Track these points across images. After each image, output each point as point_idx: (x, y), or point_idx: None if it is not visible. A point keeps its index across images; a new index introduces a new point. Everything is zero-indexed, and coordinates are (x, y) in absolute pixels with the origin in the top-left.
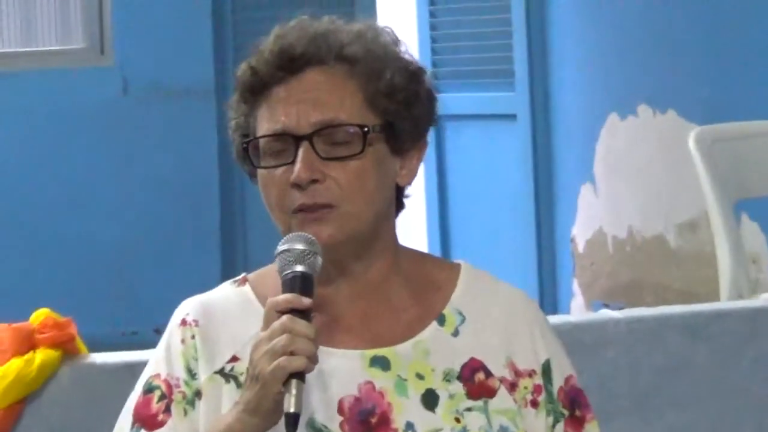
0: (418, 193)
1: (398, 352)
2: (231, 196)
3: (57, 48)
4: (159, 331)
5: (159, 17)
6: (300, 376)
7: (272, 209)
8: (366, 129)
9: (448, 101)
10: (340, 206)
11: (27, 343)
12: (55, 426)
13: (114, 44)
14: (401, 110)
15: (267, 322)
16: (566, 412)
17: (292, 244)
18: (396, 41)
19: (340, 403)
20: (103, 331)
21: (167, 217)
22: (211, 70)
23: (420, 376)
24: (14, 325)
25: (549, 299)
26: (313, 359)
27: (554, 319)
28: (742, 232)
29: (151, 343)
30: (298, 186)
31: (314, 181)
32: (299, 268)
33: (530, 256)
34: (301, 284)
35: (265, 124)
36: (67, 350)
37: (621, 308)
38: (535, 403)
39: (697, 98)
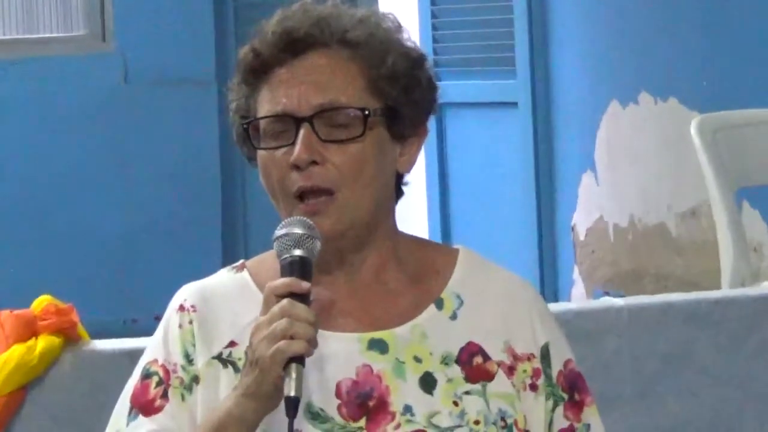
0: (419, 181)
1: (396, 335)
2: (232, 184)
3: (58, 35)
4: (159, 319)
5: (160, 4)
6: (300, 359)
7: (272, 191)
8: (367, 112)
9: (449, 89)
10: (339, 192)
11: (29, 330)
12: (57, 412)
13: (115, 31)
14: (402, 95)
15: (266, 306)
16: (565, 396)
17: (291, 228)
18: (399, 28)
19: (338, 386)
20: (104, 319)
21: (168, 205)
22: (213, 58)
23: (418, 359)
24: (16, 311)
25: (550, 287)
26: (312, 343)
27: (556, 306)
28: (744, 220)
29: (152, 331)
30: (297, 167)
31: (313, 163)
32: (298, 252)
33: (531, 243)
34: (299, 268)
35: (266, 106)
36: (68, 337)
37: (622, 296)
38: (534, 387)
39: (698, 86)
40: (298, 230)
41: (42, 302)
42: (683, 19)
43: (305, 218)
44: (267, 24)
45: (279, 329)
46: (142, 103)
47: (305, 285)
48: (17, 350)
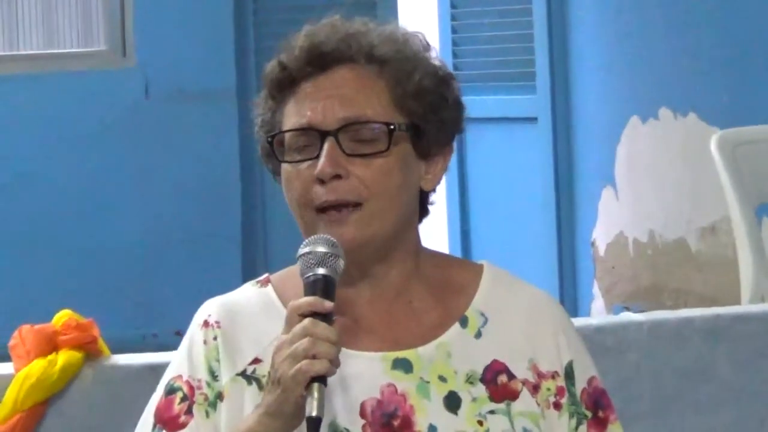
0: (439, 196)
1: (420, 355)
2: (252, 198)
3: (78, 50)
4: (180, 334)
5: (181, 20)
6: (322, 379)
7: (294, 205)
8: (392, 126)
9: (470, 104)
10: (364, 204)
11: (50, 345)
12: (78, 427)
13: (136, 47)
14: (428, 113)
15: (289, 325)
16: (589, 414)
17: (314, 246)
18: (426, 47)
19: (363, 406)
20: (124, 334)
21: (188, 220)
22: (233, 72)
23: (442, 379)
24: (37, 326)
25: (570, 302)
26: (335, 362)
27: (576, 321)
28: (764, 236)
29: (172, 346)
30: (321, 181)
31: (337, 177)
32: (321, 270)
33: (551, 259)
34: (322, 287)
35: (291, 119)
36: (89, 351)
37: (642, 312)
38: (558, 405)
39: (718, 101)
40: (321, 248)
41: (63, 317)
42: (703, 34)
43: (328, 236)
44: (294, 39)
45: (301, 349)
46: (163, 118)
47: (328, 304)
48: (38, 365)
